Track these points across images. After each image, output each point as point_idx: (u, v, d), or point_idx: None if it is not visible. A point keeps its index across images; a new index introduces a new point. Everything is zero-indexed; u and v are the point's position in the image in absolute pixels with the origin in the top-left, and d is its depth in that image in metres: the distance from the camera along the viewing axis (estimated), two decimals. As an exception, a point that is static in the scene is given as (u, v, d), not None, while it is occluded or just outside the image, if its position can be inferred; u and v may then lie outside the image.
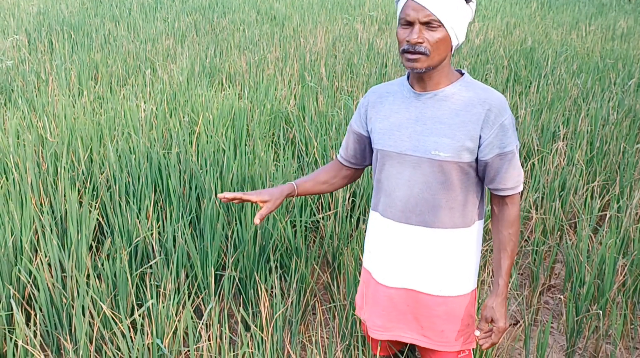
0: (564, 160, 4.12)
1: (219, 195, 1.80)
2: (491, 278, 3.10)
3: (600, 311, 2.75)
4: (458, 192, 1.71)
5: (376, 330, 1.90)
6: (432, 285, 1.79)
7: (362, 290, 1.97)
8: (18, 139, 3.90)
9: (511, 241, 1.75)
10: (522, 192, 4.09)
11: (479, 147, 1.67)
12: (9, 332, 2.63)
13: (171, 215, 3.18)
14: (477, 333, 1.78)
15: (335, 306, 2.94)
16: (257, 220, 1.78)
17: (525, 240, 3.70)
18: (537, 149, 4.37)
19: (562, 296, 3.22)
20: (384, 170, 1.78)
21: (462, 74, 1.75)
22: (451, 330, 1.82)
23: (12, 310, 2.64)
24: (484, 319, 1.77)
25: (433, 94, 1.69)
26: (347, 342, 2.51)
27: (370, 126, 1.82)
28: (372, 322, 1.91)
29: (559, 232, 3.52)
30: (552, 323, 3.03)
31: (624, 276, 3.12)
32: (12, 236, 2.87)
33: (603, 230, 3.37)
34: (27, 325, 2.76)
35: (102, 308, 2.50)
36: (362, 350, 2.48)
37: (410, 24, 1.61)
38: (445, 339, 1.83)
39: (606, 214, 3.57)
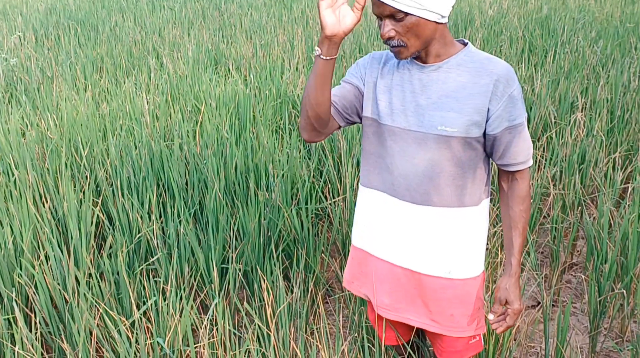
0: (583, 131, 3.94)
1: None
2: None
3: (624, 291, 2.60)
4: (466, 169, 1.60)
5: (384, 308, 1.80)
6: (440, 267, 1.68)
7: (352, 266, 1.85)
8: (23, 136, 3.84)
9: (522, 218, 1.65)
10: (539, 167, 3.93)
11: (487, 121, 1.56)
12: (10, 336, 2.57)
13: (172, 209, 3.09)
14: (491, 316, 1.67)
15: (342, 296, 2.83)
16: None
17: (544, 217, 3.55)
18: (555, 122, 4.19)
19: (584, 275, 3.07)
20: (385, 146, 1.66)
21: (465, 44, 1.62)
22: (461, 315, 1.72)
23: (13, 313, 2.59)
24: (497, 301, 1.67)
25: (437, 67, 1.58)
26: (355, 334, 2.40)
27: (367, 91, 1.70)
28: (380, 300, 1.80)
29: (579, 207, 3.37)
30: (575, 303, 2.89)
31: (649, 251, 2.96)
32: (12, 236, 2.81)
33: (626, 204, 3.20)
34: (30, 328, 2.70)
35: (103, 308, 2.43)
36: (369, 339, 2.37)
37: (381, 18, 1.54)
38: (456, 324, 1.73)
39: (629, 187, 3.40)
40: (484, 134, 1.59)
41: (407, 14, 1.49)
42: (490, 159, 1.70)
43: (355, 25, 1.58)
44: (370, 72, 1.71)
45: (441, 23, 1.55)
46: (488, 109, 1.54)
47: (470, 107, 1.54)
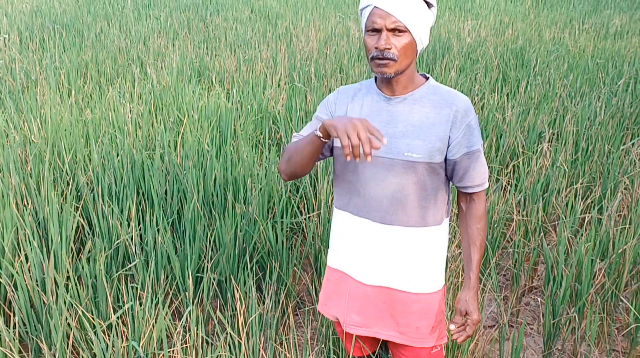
0: (548, 161, 4.13)
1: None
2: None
3: (577, 315, 2.76)
4: (429, 192, 1.77)
5: (353, 325, 1.93)
6: (407, 282, 1.83)
7: (327, 288, 1.98)
8: (5, 139, 3.91)
9: (480, 236, 1.82)
10: (505, 193, 4.11)
11: (447, 147, 1.72)
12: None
13: (151, 217, 3.19)
14: (452, 327, 1.81)
15: (313, 309, 2.95)
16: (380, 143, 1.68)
17: (507, 241, 3.72)
18: (522, 151, 4.38)
19: (541, 298, 3.24)
20: (357, 172, 1.81)
21: (427, 78, 1.80)
22: (426, 326, 1.87)
23: (-9, 312, 2.66)
24: (458, 312, 1.82)
25: (403, 98, 1.75)
26: (322, 345, 2.52)
27: None
28: (350, 318, 1.93)
29: (540, 234, 3.54)
30: (531, 325, 3.05)
31: (603, 278, 3.14)
32: (-7, 238, 2.88)
33: (583, 232, 3.38)
34: (6, 327, 2.77)
35: (80, 311, 2.52)
36: (335, 351, 2.50)
37: (377, 31, 1.66)
38: (421, 335, 1.87)
39: (588, 217, 3.59)
40: (445, 159, 1.76)
41: (407, 30, 1.64)
42: (450, 182, 1.86)
43: None
44: (339, 106, 1.85)
45: (416, 55, 1.72)
46: (449, 137, 1.72)
47: (433, 135, 1.71)
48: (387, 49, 1.64)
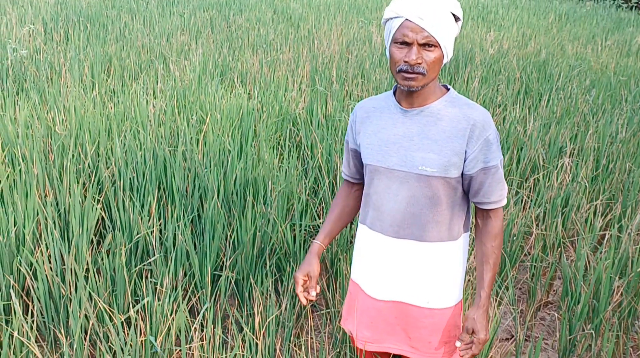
0: (568, 177, 4.11)
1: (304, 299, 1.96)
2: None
3: (594, 332, 2.75)
4: (444, 207, 1.74)
5: (365, 341, 1.93)
6: (419, 297, 1.82)
7: (348, 301, 1.99)
8: (30, 129, 3.95)
9: (494, 254, 1.78)
10: (525, 207, 4.10)
11: (464, 161, 1.70)
12: (5, 322, 2.66)
13: (172, 213, 3.21)
14: (458, 344, 1.80)
15: (328, 312, 2.96)
16: (308, 297, 1.95)
17: (525, 255, 3.70)
18: (543, 165, 4.37)
19: (557, 314, 3.22)
20: (372, 185, 1.81)
21: (448, 89, 1.78)
22: (438, 341, 1.85)
23: (10, 300, 2.68)
24: (465, 330, 1.80)
25: (419, 111, 1.72)
26: (337, 350, 2.53)
27: (359, 141, 1.85)
28: (361, 334, 1.93)
29: (558, 249, 3.52)
30: (546, 339, 3.04)
31: (620, 296, 3.12)
32: (15, 226, 2.91)
33: (602, 250, 3.36)
34: (24, 316, 2.80)
35: (101, 304, 2.53)
36: (351, 357, 2.50)
37: (406, 44, 1.64)
38: (433, 350, 1.86)
39: (606, 234, 3.57)
40: (462, 174, 1.73)
41: (438, 45, 1.62)
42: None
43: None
44: (360, 123, 1.86)
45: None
46: (465, 151, 1.69)
47: (449, 149, 1.68)
48: (418, 63, 1.62)
